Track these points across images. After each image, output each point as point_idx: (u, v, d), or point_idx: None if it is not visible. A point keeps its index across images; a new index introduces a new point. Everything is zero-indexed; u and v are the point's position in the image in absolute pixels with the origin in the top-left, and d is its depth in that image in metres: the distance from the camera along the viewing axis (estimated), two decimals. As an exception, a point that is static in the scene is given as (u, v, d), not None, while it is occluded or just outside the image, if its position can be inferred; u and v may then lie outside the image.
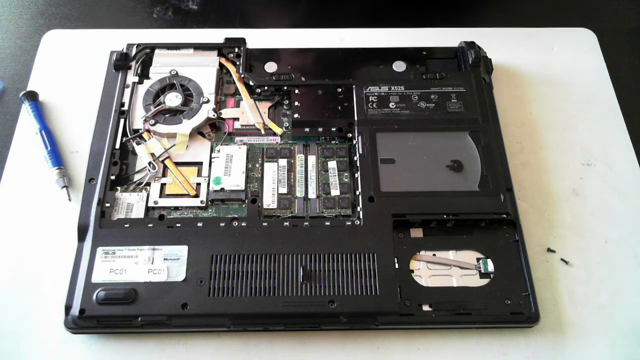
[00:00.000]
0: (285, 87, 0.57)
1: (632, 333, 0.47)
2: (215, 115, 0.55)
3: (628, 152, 0.57)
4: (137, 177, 0.52)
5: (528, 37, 0.65)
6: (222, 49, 0.60)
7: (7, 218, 0.52)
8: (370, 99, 0.56)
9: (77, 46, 0.63)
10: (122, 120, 0.54)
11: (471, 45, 0.59)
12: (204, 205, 0.51)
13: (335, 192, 0.52)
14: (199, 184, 0.52)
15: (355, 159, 0.53)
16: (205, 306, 0.45)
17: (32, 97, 0.58)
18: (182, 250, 0.47)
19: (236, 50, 0.59)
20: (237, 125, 0.56)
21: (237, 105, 0.57)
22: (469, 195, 0.50)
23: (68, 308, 0.45)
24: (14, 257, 0.50)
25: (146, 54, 0.59)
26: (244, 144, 0.54)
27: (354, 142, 0.53)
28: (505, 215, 0.49)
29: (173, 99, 0.56)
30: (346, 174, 0.53)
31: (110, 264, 0.46)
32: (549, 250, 0.51)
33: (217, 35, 0.61)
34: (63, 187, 0.52)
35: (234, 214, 0.51)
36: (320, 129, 0.55)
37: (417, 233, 0.50)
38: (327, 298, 0.45)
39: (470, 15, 0.69)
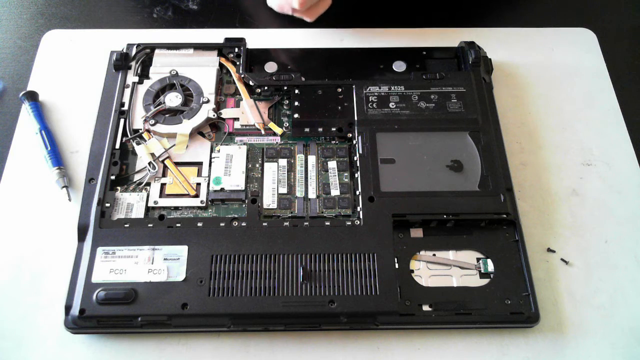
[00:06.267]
0: (285, 87, 0.57)
1: (632, 333, 0.47)
2: (215, 115, 0.55)
3: (628, 152, 0.57)
4: (137, 177, 0.52)
5: (528, 37, 0.65)
6: (222, 49, 0.60)
7: (7, 218, 0.52)
8: (370, 99, 0.56)
9: (77, 46, 0.63)
10: (122, 120, 0.54)
11: (471, 45, 0.59)
12: (204, 205, 0.51)
13: (335, 192, 0.52)
14: (199, 184, 0.52)
15: (355, 159, 0.53)
16: (205, 306, 0.45)
17: (32, 97, 0.58)
18: (182, 250, 0.47)
19: (236, 50, 0.59)
20: (237, 125, 0.56)
21: (237, 105, 0.57)
22: (469, 195, 0.50)
23: (68, 308, 0.45)
24: (14, 257, 0.50)
25: (146, 54, 0.59)
26: (244, 144, 0.54)
27: (354, 142, 0.53)
28: (505, 215, 0.49)
29: (173, 99, 0.56)
30: (346, 174, 0.53)
31: (110, 264, 0.46)
32: (549, 250, 0.51)
33: (217, 35, 0.61)
34: (63, 187, 0.52)
35: (234, 214, 0.51)
36: (320, 129, 0.55)
37: (417, 233, 0.50)
38: (327, 298, 0.45)
39: (470, 15, 0.69)
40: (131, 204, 0.51)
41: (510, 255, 0.48)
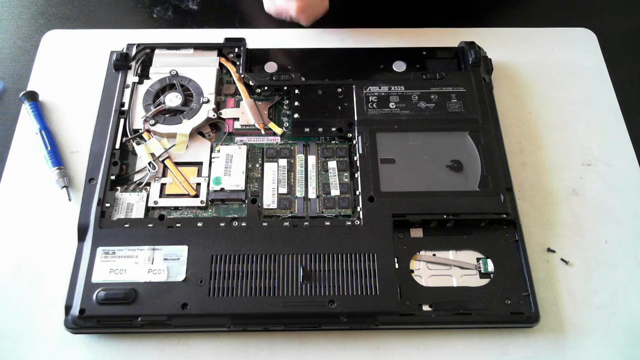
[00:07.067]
0: (285, 87, 0.57)
1: (632, 333, 0.47)
2: (215, 115, 0.55)
3: (628, 152, 0.57)
4: (137, 177, 0.52)
5: (528, 37, 0.65)
6: (222, 49, 0.60)
7: (7, 218, 0.52)
8: (370, 99, 0.56)
9: (77, 46, 0.63)
10: (122, 120, 0.54)
11: (471, 45, 0.59)
12: (204, 205, 0.51)
13: (335, 192, 0.52)
14: (199, 184, 0.52)
15: (355, 159, 0.53)
16: (205, 306, 0.45)
17: (32, 97, 0.58)
18: (182, 250, 0.47)
19: (236, 50, 0.59)
20: (237, 125, 0.56)
21: (237, 105, 0.57)
22: (469, 195, 0.50)
23: (68, 308, 0.45)
24: (14, 257, 0.50)
25: (146, 54, 0.59)
26: (244, 144, 0.54)
27: (354, 142, 0.53)
28: (505, 215, 0.49)
29: (173, 99, 0.56)
30: (346, 174, 0.53)
31: (110, 264, 0.46)
32: (549, 250, 0.51)
33: (217, 35, 0.61)
34: (63, 187, 0.52)
35: (234, 214, 0.51)
36: (320, 129, 0.55)
37: (417, 233, 0.50)
38: (327, 298, 0.45)
39: (470, 15, 0.69)
40: (131, 204, 0.51)
41: (510, 255, 0.48)
